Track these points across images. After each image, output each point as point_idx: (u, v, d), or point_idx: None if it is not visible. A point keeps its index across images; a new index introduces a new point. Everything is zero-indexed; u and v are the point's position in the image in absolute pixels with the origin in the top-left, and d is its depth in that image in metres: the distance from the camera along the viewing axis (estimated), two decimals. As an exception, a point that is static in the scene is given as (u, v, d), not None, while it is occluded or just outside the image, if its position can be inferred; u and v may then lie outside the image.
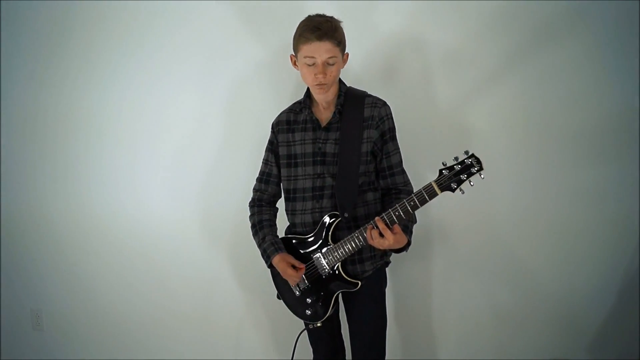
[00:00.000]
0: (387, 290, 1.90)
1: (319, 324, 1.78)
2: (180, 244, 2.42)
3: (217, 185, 2.34)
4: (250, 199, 1.92)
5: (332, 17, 1.69)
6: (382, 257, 1.82)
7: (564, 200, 2.02)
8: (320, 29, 1.63)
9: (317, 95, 1.75)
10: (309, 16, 1.71)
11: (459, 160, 1.56)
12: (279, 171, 1.85)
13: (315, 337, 1.92)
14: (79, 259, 2.56)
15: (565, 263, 2.05)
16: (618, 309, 2.03)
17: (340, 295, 1.82)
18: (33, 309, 2.67)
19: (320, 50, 1.63)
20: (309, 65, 1.67)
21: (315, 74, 1.67)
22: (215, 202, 2.35)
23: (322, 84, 1.68)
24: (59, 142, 2.51)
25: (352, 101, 1.76)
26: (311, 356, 1.96)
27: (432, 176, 1.60)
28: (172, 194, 2.40)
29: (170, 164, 2.39)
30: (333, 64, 1.67)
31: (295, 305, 1.82)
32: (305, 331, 1.88)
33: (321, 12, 1.72)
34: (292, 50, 1.74)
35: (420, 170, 1.95)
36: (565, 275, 2.06)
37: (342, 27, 1.71)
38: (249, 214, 1.91)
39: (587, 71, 1.93)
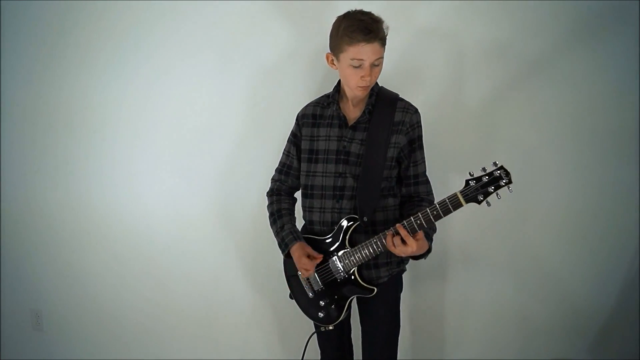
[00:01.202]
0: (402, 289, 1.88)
1: (330, 327, 1.75)
2: (185, 243, 2.41)
3: (228, 183, 2.31)
4: (268, 189, 1.88)
5: (374, 15, 1.61)
6: (399, 265, 1.79)
7: (563, 200, 2.02)
8: (372, 31, 1.55)
9: (354, 94, 1.68)
10: (350, 13, 1.62)
11: (487, 171, 1.49)
12: (300, 164, 1.80)
13: (323, 339, 1.89)
14: (79, 259, 2.56)
15: (565, 263, 2.06)
16: (618, 309, 2.03)
17: (354, 298, 1.80)
18: (33, 309, 2.67)
19: (369, 52, 1.56)
20: (355, 67, 1.59)
21: (361, 76, 1.60)
22: (226, 201, 2.33)
23: (365, 86, 1.63)
24: (60, 141, 2.49)
25: (383, 103, 1.70)
26: (318, 356, 1.95)
27: (456, 179, 1.56)
28: (179, 192, 2.38)
29: (179, 160, 2.36)
30: (378, 65, 1.61)
31: (307, 306, 1.78)
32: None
33: (356, 7, 1.64)
34: (320, 42, 1.67)
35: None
36: (566, 275, 2.07)
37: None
38: (267, 203, 1.86)
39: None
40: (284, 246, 1.76)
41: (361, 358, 1.85)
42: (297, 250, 1.71)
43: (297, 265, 1.72)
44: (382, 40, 1.59)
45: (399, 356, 1.86)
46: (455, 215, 1.73)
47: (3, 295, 2.69)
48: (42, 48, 2.44)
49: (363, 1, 1.78)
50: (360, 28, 1.55)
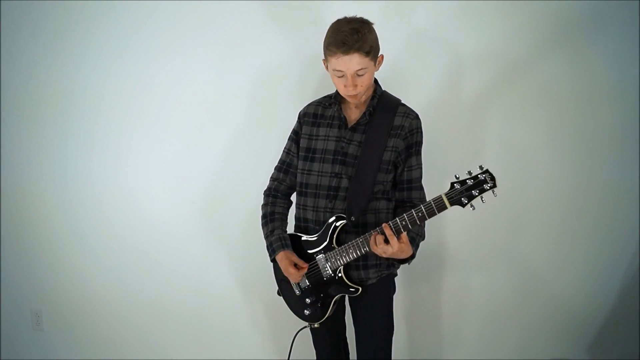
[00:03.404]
0: (397, 285, 1.87)
1: (316, 325, 1.77)
2: (181, 243, 2.41)
3: (222, 182, 2.32)
4: (265, 187, 1.88)
5: (361, 24, 1.60)
6: (389, 267, 1.77)
7: (563, 201, 2.02)
8: (346, 44, 1.55)
9: (349, 100, 1.71)
10: (338, 22, 1.62)
11: (472, 174, 1.50)
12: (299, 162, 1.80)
13: (318, 339, 1.90)
14: (78, 259, 2.56)
15: (565, 263, 2.06)
16: (618, 309, 2.03)
17: (346, 298, 1.80)
18: (33, 309, 2.67)
19: (349, 63, 1.57)
20: (338, 77, 1.62)
21: (345, 85, 1.62)
22: (219, 199, 2.33)
23: (353, 95, 1.64)
24: (59, 141, 2.49)
25: (384, 106, 1.70)
26: (314, 356, 1.95)
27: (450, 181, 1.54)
28: (175, 191, 2.38)
29: (175, 158, 2.36)
30: (363, 75, 1.60)
31: (294, 304, 1.80)
32: (309, 332, 1.86)
33: (350, 12, 1.65)
34: (318, 44, 1.66)
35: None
36: (566, 275, 2.06)
37: (375, 28, 1.63)
38: (262, 202, 1.87)
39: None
40: (271, 251, 1.77)
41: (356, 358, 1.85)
42: (283, 260, 1.72)
43: (285, 274, 1.74)
44: (364, 51, 1.57)
45: (396, 357, 1.86)
46: (453, 215, 1.74)
47: (3, 295, 2.70)
48: (41, 42, 2.42)
49: (362, 2, 1.78)
50: (336, 40, 1.57)
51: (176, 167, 2.37)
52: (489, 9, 1.96)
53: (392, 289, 1.85)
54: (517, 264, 2.09)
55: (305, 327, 1.85)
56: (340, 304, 1.83)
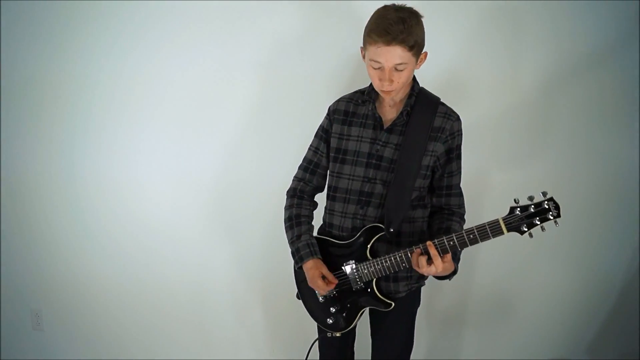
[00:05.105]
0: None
1: (337, 335, 1.66)
2: (184, 243, 2.40)
3: (230, 178, 2.29)
4: (289, 188, 1.75)
5: (409, 14, 1.45)
6: (419, 280, 1.68)
7: (562, 200, 2.02)
8: (389, 33, 1.40)
9: (382, 96, 1.57)
10: (385, 7, 1.48)
11: (535, 201, 1.39)
12: (329, 163, 1.67)
13: (326, 345, 1.80)
14: (79, 259, 2.55)
15: (565, 263, 2.06)
16: (618, 309, 2.04)
17: (367, 309, 1.69)
18: (33, 309, 2.66)
19: (388, 55, 1.43)
20: (375, 68, 1.48)
21: (380, 79, 1.48)
22: (224, 197, 2.31)
23: (388, 91, 1.51)
24: (60, 137, 2.46)
25: (423, 105, 1.56)
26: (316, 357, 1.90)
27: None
28: (181, 188, 2.36)
29: (181, 155, 2.33)
30: (402, 70, 1.46)
31: (316, 310, 1.69)
32: (316, 333, 1.79)
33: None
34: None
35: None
36: (565, 275, 2.07)
37: (423, 22, 1.48)
38: (286, 203, 1.73)
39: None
40: (298, 258, 1.65)
41: None
42: (312, 269, 1.61)
43: (310, 284, 1.63)
44: (408, 45, 1.43)
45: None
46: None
47: (3, 295, 2.69)
48: (48, 40, 2.38)
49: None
50: (379, 28, 1.42)
51: (182, 164, 2.34)
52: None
53: (417, 302, 1.76)
54: (517, 264, 2.10)
55: (318, 338, 1.77)
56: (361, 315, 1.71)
